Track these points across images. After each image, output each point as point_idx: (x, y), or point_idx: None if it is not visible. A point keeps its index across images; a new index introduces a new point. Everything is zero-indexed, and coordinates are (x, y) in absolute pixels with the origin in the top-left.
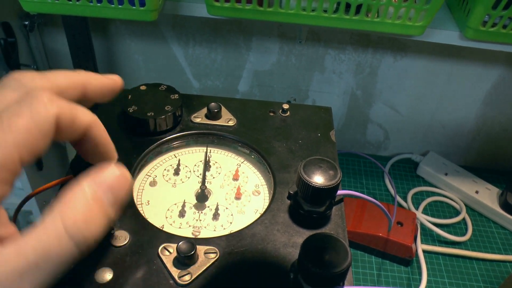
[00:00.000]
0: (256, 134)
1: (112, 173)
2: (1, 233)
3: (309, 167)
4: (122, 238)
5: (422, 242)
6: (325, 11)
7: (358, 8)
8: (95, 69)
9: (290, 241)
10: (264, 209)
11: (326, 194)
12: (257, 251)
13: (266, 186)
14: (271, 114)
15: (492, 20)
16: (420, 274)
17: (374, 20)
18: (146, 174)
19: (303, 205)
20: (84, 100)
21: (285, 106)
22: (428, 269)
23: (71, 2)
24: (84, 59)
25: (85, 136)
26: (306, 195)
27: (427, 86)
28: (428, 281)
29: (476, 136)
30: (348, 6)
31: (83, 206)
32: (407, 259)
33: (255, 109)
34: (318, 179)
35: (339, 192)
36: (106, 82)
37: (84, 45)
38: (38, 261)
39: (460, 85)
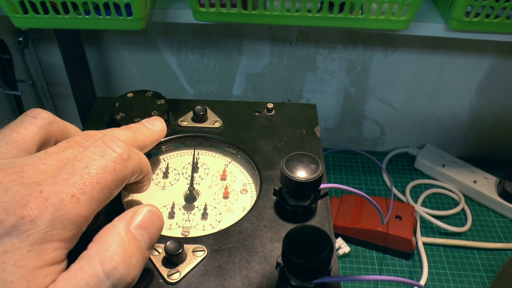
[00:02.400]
0: (242, 134)
1: (144, 212)
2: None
3: (291, 163)
4: None
5: (422, 235)
6: (309, 11)
7: (342, 6)
8: (90, 81)
9: (276, 236)
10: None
11: (309, 188)
12: (244, 247)
13: (253, 184)
14: (257, 114)
15: (475, 10)
16: (421, 267)
17: (358, 17)
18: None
19: (288, 200)
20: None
21: (270, 106)
22: (429, 261)
23: (60, 16)
24: (79, 71)
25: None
26: (289, 190)
27: (420, 80)
28: (430, 273)
29: (472, 126)
30: (331, 5)
31: (120, 246)
32: (408, 253)
33: (241, 110)
34: (301, 173)
35: (324, 185)
36: (156, 139)
37: (78, 58)
38: None
39: (453, 77)
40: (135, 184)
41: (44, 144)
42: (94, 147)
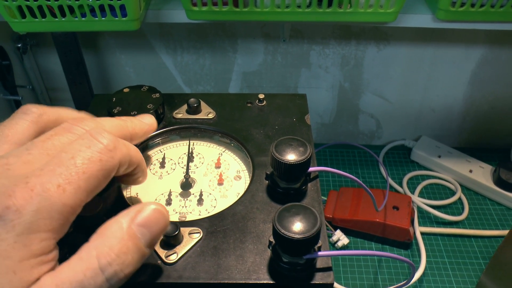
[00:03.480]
0: (234, 124)
1: (149, 210)
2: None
3: (280, 147)
4: None
5: (420, 225)
6: (299, 6)
7: (331, 1)
8: (88, 84)
9: (268, 217)
10: None
11: (298, 170)
12: (238, 229)
13: (246, 171)
14: (249, 104)
15: (460, 0)
16: (419, 256)
17: (346, 11)
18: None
19: (280, 183)
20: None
21: (261, 96)
22: (427, 250)
23: (57, 19)
24: (77, 76)
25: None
26: (280, 173)
27: (413, 72)
28: (428, 262)
29: (466, 116)
30: (320, 0)
31: (118, 242)
32: (406, 242)
33: (233, 102)
34: (290, 156)
35: (313, 168)
36: (146, 130)
37: (76, 62)
38: None
39: (445, 68)
40: (129, 176)
41: (38, 136)
42: (81, 139)
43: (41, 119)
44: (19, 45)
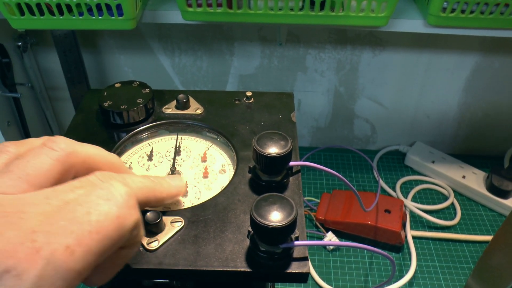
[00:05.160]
0: (222, 120)
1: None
2: None
3: (262, 140)
4: None
5: (412, 229)
6: (292, 9)
7: (323, 4)
8: (87, 84)
9: (249, 209)
10: None
11: (279, 163)
12: (219, 219)
13: (231, 165)
14: (236, 102)
15: (451, 6)
16: (410, 259)
17: (338, 15)
18: (123, 161)
19: (262, 177)
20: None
21: (248, 94)
22: (418, 254)
23: (55, 17)
24: (76, 75)
25: None
26: (261, 165)
27: (408, 78)
28: (419, 266)
29: (461, 123)
30: (313, 3)
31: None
32: (397, 246)
33: (221, 99)
34: (271, 149)
35: (295, 162)
36: (174, 195)
37: (75, 62)
38: None
39: (440, 75)
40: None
41: (61, 177)
42: (100, 188)
43: (68, 159)
44: (20, 44)
